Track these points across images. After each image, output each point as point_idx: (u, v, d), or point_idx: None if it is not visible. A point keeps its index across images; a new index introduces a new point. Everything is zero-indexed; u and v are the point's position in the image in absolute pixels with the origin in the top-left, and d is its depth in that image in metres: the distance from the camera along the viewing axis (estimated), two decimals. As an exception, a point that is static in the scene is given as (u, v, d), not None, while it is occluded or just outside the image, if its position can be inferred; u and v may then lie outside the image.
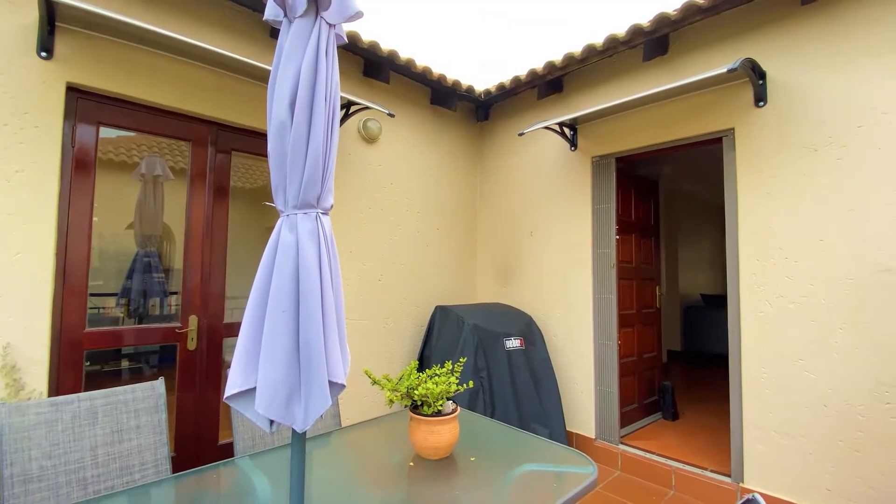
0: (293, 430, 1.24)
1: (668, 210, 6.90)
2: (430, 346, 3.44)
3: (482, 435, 1.87)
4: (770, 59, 2.63)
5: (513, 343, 3.32)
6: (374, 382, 1.61)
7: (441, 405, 1.58)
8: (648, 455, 3.13)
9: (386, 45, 3.25)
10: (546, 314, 3.77)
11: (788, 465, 2.48)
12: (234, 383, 1.18)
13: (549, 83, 3.64)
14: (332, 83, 1.34)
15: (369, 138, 3.45)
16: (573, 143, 3.64)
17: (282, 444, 1.82)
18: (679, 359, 6.93)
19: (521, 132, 3.43)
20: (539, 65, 3.51)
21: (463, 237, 4.27)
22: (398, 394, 1.58)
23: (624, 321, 3.61)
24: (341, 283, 1.33)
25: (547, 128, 3.49)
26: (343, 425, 2.10)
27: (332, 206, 1.34)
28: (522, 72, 3.65)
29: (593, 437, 3.41)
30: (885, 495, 2.16)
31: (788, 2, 2.57)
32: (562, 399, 3.54)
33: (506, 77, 3.80)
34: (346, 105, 3.16)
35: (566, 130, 3.62)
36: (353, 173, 3.37)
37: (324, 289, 1.22)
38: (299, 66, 1.27)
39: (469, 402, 3.02)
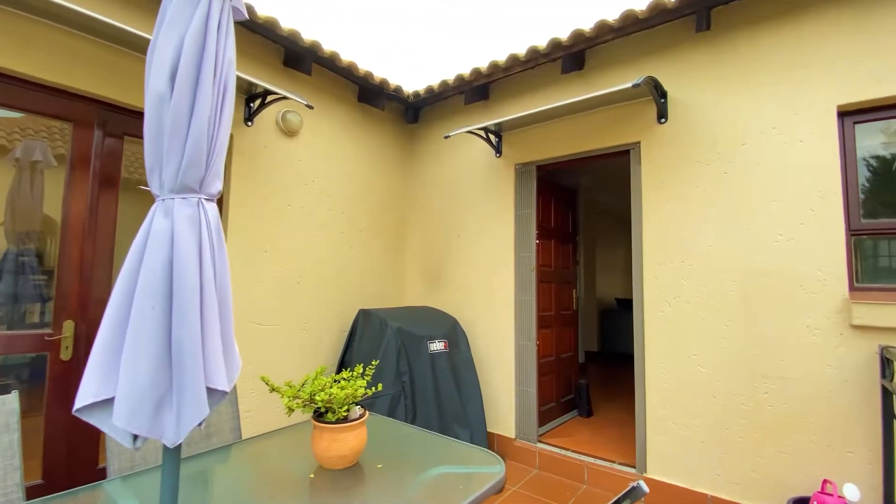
0: (164, 446, 1.09)
1: (587, 220, 7.32)
2: (352, 350, 3.31)
3: (393, 440, 1.80)
4: (671, 79, 2.87)
5: (437, 346, 3.29)
6: (273, 389, 1.48)
7: (347, 411, 1.49)
8: (564, 452, 3.23)
9: (309, 36, 3.10)
10: (471, 316, 3.79)
11: (684, 454, 2.68)
12: (87, 392, 1.01)
13: (476, 90, 3.70)
14: (225, 59, 1.22)
15: (289, 131, 3.26)
16: (498, 150, 3.72)
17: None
18: (596, 358, 7.34)
19: (446, 135, 3.44)
20: (466, 71, 3.55)
21: (391, 239, 4.19)
22: (299, 401, 1.47)
23: (543, 322, 3.73)
24: (229, 278, 1.20)
25: (473, 133, 3.54)
26: (247, 437, 1.93)
27: (219, 193, 1.21)
28: (451, 76, 3.68)
29: (513, 436, 3.47)
30: (765, 477, 2.41)
31: (685, 29, 2.83)
32: (484, 400, 3.56)
33: (435, 81, 3.81)
34: (263, 94, 2.97)
35: (492, 137, 3.70)
36: (269, 168, 3.16)
37: (204, 283, 1.09)
38: (183, 34, 1.14)
39: (390, 407, 2.94)
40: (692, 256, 2.76)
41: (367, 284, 3.90)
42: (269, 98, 2.97)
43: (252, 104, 3.05)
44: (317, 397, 1.47)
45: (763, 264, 2.50)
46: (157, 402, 1.06)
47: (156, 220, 1.11)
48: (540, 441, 3.40)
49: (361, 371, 1.62)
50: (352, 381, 1.53)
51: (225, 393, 1.11)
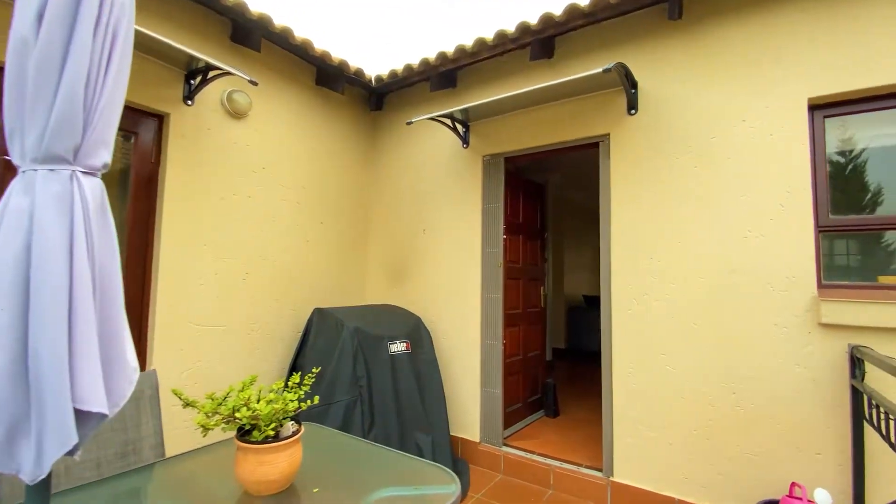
0: (26, 484, 0.86)
1: (556, 217, 7.28)
2: (305, 353, 3.06)
3: (337, 457, 1.59)
4: (642, 70, 2.77)
5: (398, 347, 3.09)
6: (187, 404, 1.25)
7: (275, 429, 1.27)
8: (529, 455, 3.11)
9: (257, 8, 2.83)
10: (436, 315, 3.61)
11: (652, 456, 2.60)
12: None
13: (443, 77, 3.51)
14: (115, 2, 0.98)
15: (236, 113, 2.98)
16: (465, 141, 3.55)
17: (58, 489, 1.35)
18: (563, 356, 7.32)
19: (409, 121, 3.23)
20: (432, 55, 3.35)
21: (352, 234, 3.95)
22: (219, 417, 1.24)
23: (510, 320, 3.59)
24: (118, 272, 0.96)
25: (439, 121, 3.35)
26: (174, 454, 1.67)
27: (105, 167, 0.97)
28: (415, 61, 3.47)
29: (478, 440, 3.32)
30: (731, 480, 2.34)
31: (657, 17, 2.73)
32: (448, 403, 3.40)
33: (399, 65, 3.59)
34: (204, 69, 2.68)
35: (458, 127, 3.52)
36: (213, 152, 2.87)
37: (75, 278, 0.85)
38: (54, -40, 0.90)
39: (345, 414, 2.72)
40: (661, 253, 2.67)
41: (326, 281, 3.66)
42: (211, 74, 2.68)
43: (192, 81, 2.75)
44: (238, 413, 1.25)
45: (732, 261, 2.44)
46: (8, 429, 0.83)
47: (13, 198, 0.87)
48: (505, 444, 3.26)
49: (298, 381, 1.41)
50: (281, 394, 1.31)
51: (104, 416, 0.88)
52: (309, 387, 1.42)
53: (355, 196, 3.99)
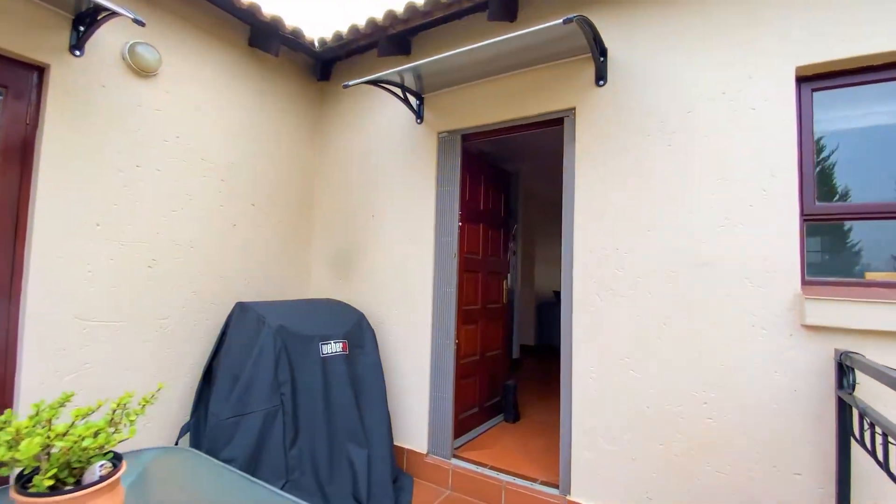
0: None
1: (526, 211, 6.99)
2: (220, 356, 2.64)
3: (182, 501, 1.20)
4: (613, 35, 2.45)
5: (332, 348, 2.70)
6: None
7: (78, 472, 0.88)
8: (480, 469, 2.78)
9: (164, -57, 2.36)
10: (384, 311, 3.23)
11: (613, 473, 2.30)
12: None
13: (394, 41, 3.10)
14: None
15: (141, 69, 2.50)
16: (419, 116, 3.17)
17: None
18: (532, 353, 7.07)
19: (346, 84, 2.80)
20: (380, 15, 2.95)
21: (294, 220, 3.52)
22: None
23: (466, 317, 3.25)
24: None
25: (386, 88, 2.95)
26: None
27: None
28: (362, 21, 3.06)
29: (425, 452, 2.97)
30: (701, 502, 2.06)
31: (631, -24, 2.41)
32: (393, 410, 3.04)
33: (344, 27, 3.17)
34: (93, 11, 2.21)
35: (411, 99, 3.13)
36: (106, 113, 2.40)
37: None
38: None
39: (263, 427, 2.32)
40: (629, 243, 2.36)
41: (259, 273, 3.22)
42: (102, 16, 2.21)
43: (81, 27, 2.27)
44: (11, 454, 0.85)
45: (706, 253, 2.15)
46: None
47: None
48: (455, 456, 2.93)
49: (116, 406, 1.01)
50: (87, 427, 0.92)
51: None
52: (144, 410, 1.03)
53: (298, 177, 3.56)
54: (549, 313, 7.28)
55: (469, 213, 3.29)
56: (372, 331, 3.00)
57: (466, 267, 3.25)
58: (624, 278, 2.36)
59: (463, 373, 3.19)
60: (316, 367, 2.59)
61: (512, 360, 5.77)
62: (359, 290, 3.37)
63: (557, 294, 7.70)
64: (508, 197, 4.00)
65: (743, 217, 2.07)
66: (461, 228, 3.10)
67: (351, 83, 2.76)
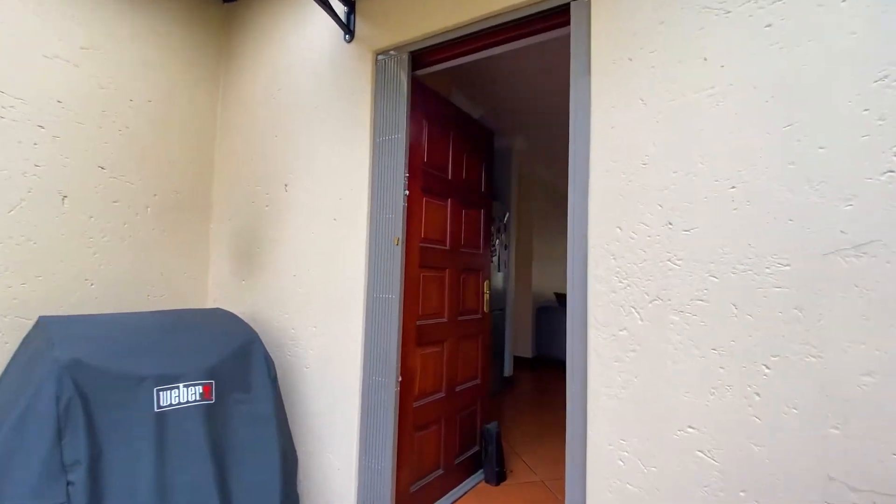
0: None
1: (522, 195, 5.91)
2: (-21, 407, 1.56)
3: None
4: None
5: (182, 395, 1.62)
6: None
7: None
8: None
9: None
10: (298, 327, 2.15)
11: None
12: None
13: (311, -83, 2.03)
14: None
15: None
16: (349, 30, 2.09)
17: None
18: (529, 367, 5.98)
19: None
20: None
21: (182, 195, 2.45)
22: None
23: (423, 337, 2.17)
24: None
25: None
26: None
27: None
28: None
29: (351, 552, 1.89)
30: None
31: None
32: (307, 489, 1.96)
33: None
34: None
35: (337, 6, 2.06)
36: None
37: None
38: None
39: (9, 553, 1.24)
40: (692, 213, 1.29)
41: (116, 272, 2.15)
42: None
43: None
44: None
45: (855, 230, 1.07)
46: None
47: None
48: (397, 562, 1.85)
49: None
50: None
51: None
52: None
53: (189, 134, 2.48)
54: (552, 320, 6.19)
55: (428, 181, 2.21)
56: (268, 361, 1.91)
57: (424, 261, 2.17)
58: (684, 277, 1.28)
59: (419, 420, 2.11)
60: (145, 430, 1.51)
61: (503, 378, 4.69)
62: (264, 297, 2.29)
63: (560, 296, 6.61)
64: (492, 167, 2.92)
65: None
66: (412, 201, 2.03)
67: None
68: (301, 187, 2.21)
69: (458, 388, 2.48)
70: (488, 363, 2.82)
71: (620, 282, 1.38)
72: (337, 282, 2.04)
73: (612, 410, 1.37)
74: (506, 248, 4.71)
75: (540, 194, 6.52)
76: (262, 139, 2.40)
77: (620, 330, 1.37)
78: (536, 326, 6.31)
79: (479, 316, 2.70)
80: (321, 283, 2.09)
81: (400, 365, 1.91)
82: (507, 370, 4.88)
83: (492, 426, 2.63)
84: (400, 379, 1.90)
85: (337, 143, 2.10)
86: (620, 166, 1.41)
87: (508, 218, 4.79)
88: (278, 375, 2.02)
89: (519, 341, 6.07)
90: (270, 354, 2.03)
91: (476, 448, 2.65)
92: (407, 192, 1.94)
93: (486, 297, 2.75)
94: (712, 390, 1.24)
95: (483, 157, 2.80)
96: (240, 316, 2.29)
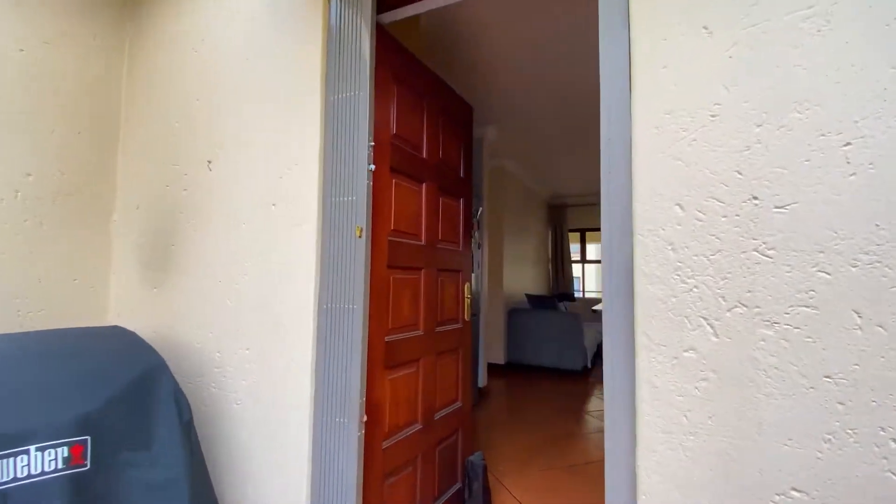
0: None
1: (493, 191, 5.56)
2: None
3: None
4: None
5: (36, 462, 1.06)
6: None
7: None
8: None
9: None
10: (226, 350, 1.62)
11: None
12: None
13: None
14: None
15: None
16: (293, -43, 1.59)
17: None
18: (502, 374, 5.60)
19: None
20: None
21: (75, 176, 1.85)
22: None
23: (394, 356, 1.69)
24: None
25: None
26: None
27: None
28: None
29: None
30: None
31: None
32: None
33: None
34: None
35: (277, -77, 1.55)
36: None
37: None
38: None
39: None
40: (787, 180, 0.90)
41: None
42: None
43: None
44: None
45: None
46: None
47: None
48: None
49: None
50: None
51: None
52: None
53: (80, 96, 1.88)
54: (524, 323, 5.85)
55: (399, 158, 1.74)
56: (179, 400, 1.36)
57: (394, 259, 1.70)
58: (780, 276, 0.89)
59: (390, 465, 1.63)
60: (-46, 533, 0.95)
61: (478, 390, 4.27)
62: (182, 310, 1.74)
63: (531, 298, 6.29)
64: (471, 149, 2.48)
65: None
66: (379, 182, 1.55)
67: None
68: (230, 164, 1.68)
69: (436, 416, 2.02)
70: (470, 381, 2.37)
71: (684, 282, 0.98)
72: (278, 288, 1.52)
73: (674, 467, 0.96)
74: (479, 246, 4.31)
75: (510, 191, 6.19)
76: (180, 104, 1.84)
77: (686, 351, 0.97)
78: (508, 330, 5.95)
79: (459, 325, 2.25)
80: (256, 291, 1.57)
81: (365, 398, 1.43)
82: (482, 380, 4.46)
83: (476, 458, 2.19)
84: (365, 418, 1.41)
85: (277, 106, 1.59)
86: (677, 120, 1.01)
87: (482, 213, 4.39)
88: (196, 417, 1.48)
89: (491, 346, 5.69)
90: (185, 389, 1.49)
91: (458, 485, 2.20)
92: (373, 167, 1.47)
93: (468, 302, 2.31)
94: (827, 437, 0.86)
95: (462, 136, 2.36)
96: (150, 335, 1.72)
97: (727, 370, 0.94)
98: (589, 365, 5.80)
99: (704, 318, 0.96)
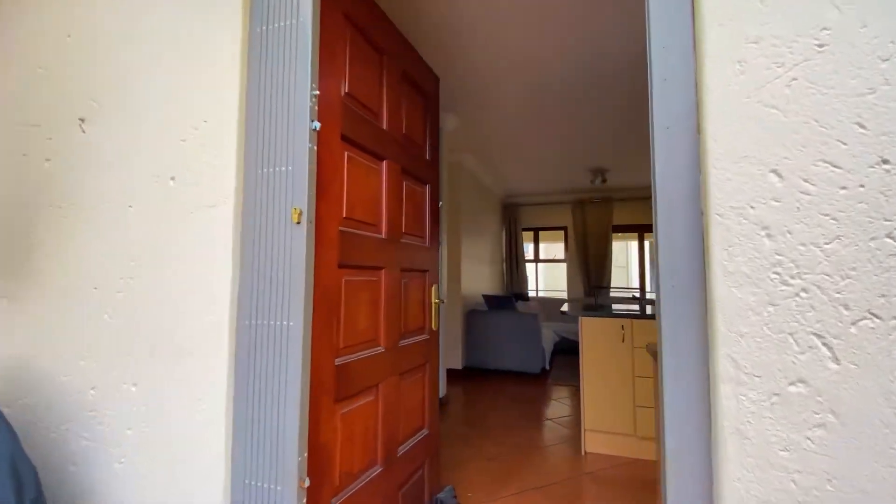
0: None
1: (451, 189, 5.23)
2: None
3: None
4: None
5: None
6: None
7: None
8: None
9: None
10: (103, 385, 1.13)
11: None
12: None
13: None
14: None
15: None
16: None
17: None
18: (460, 380, 5.27)
19: None
20: None
21: None
22: None
23: (347, 384, 1.28)
24: None
25: None
26: None
27: None
28: None
29: None
30: None
31: None
32: None
33: None
34: None
35: None
36: None
37: None
38: None
39: None
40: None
41: None
42: None
43: None
44: None
45: None
46: None
47: None
48: None
49: None
50: None
51: None
52: None
53: None
54: (482, 325, 5.57)
55: (353, 124, 1.33)
56: (19, 466, 0.88)
57: (347, 256, 1.29)
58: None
59: (340, 528, 1.22)
60: None
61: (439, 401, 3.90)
62: (42, 329, 1.22)
63: (488, 298, 6.03)
64: (437, 127, 2.11)
65: None
66: (327, 152, 1.14)
67: None
68: (111, 123, 1.20)
69: (400, 451, 1.63)
70: (437, 401, 2.01)
71: (786, 285, 0.67)
72: (178, 299, 1.07)
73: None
74: (439, 243, 3.95)
75: (468, 189, 5.89)
76: (44, 43, 1.32)
77: (792, 384, 0.66)
78: (466, 333, 5.64)
79: (425, 336, 1.87)
80: (147, 303, 1.10)
81: (306, 451, 1.01)
82: (441, 390, 4.10)
83: (446, 496, 1.82)
84: (307, 483, 1.00)
85: (178, 39, 1.13)
86: (769, 52, 0.70)
87: (441, 207, 4.03)
88: (59, 486, 1.00)
89: (448, 350, 5.35)
90: (42, 442, 1.00)
91: (425, 530, 1.82)
92: (318, 125, 1.05)
93: (436, 307, 1.94)
94: None
95: (429, 109, 1.98)
96: (-19, 368, 1.19)
97: (854, 411, 0.64)
98: (547, 366, 5.63)
99: (818, 336, 0.66)
